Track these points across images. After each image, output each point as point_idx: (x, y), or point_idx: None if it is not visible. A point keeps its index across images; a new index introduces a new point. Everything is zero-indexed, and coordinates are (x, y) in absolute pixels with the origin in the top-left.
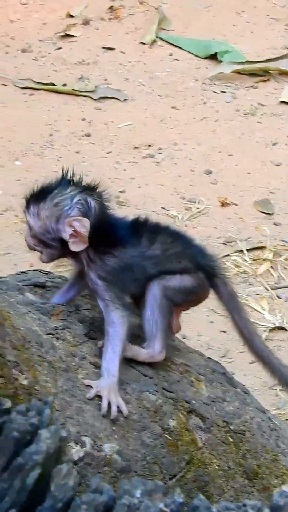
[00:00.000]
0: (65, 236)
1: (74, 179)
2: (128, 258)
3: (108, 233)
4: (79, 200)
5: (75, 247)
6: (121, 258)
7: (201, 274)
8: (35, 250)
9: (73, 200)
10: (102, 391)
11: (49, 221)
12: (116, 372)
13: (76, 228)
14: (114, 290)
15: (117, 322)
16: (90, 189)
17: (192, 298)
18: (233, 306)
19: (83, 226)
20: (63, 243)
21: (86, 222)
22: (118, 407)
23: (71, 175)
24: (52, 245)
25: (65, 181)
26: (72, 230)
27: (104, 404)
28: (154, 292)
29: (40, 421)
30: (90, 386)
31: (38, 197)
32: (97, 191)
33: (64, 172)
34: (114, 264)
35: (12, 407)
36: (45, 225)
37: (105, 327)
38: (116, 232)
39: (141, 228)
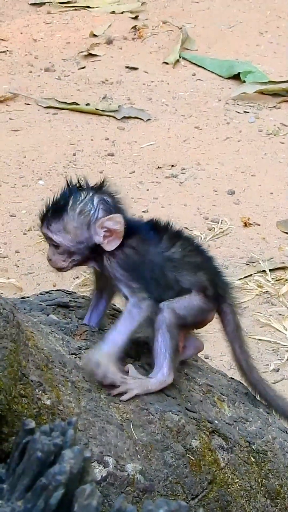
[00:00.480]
0: (99, 239)
1: (81, 184)
2: (148, 253)
3: (128, 227)
4: (99, 200)
5: (110, 246)
6: (141, 252)
7: (211, 294)
8: (62, 270)
9: (94, 203)
10: (102, 359)
11: (79, 230)
12: (120, 344)
13: (110, 226)
14: (138, 281)
15: (139, 307)
16: (100, 188)
17: (199, 320)
18: (236, 337)
19: (117, 222)
20: (93, 249)
21: (119, 217)
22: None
23: (76, 181)
24: (82, 254)
25: (73, 189)
26: (105, 231)
27: (100, 372)
28: (164, 315)
29: (63, 441)
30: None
31: (56, 212)
32: (105, 188)
33: (67, 181)
34: (135, 257)
35: (36, 427)
36: (76, 237)
37: (127, 306)
38: (136, 228)
39: (161, 229)
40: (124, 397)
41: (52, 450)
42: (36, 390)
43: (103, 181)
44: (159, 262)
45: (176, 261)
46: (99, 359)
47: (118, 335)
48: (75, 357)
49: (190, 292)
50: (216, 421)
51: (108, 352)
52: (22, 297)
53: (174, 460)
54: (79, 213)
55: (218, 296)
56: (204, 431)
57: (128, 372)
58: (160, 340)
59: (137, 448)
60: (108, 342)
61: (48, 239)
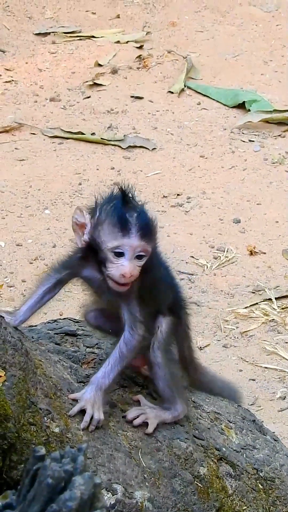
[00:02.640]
0: None
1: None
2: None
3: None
4: None
5: None
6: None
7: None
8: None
9: None
10: (87, 405)
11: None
12: (106, 388)
13: None
14: (143, 309)
15: (132, 344)
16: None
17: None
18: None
19: None
20: None
21: None
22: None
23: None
24: None
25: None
26: None
27: (87, 418)
28: (156, 354)
29: (74, 467)
30: (76, 401)
31: (147, 224)
32: None
33: (127, 193)
34: (151, 281)
35: (47, 454)
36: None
37: (120, 341)
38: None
39: None
40: (149, 430)
41: (63, 476)
42: (45, 418)
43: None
44: (155, 285)
45: (161, 282)
46: (85, 404)
47: (107, 379)
48: (83, 385)
49: (163, 315)
50: (223, 449)
51: (94, 397)
52: (30, 326)
53: (182, 487)
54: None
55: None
56: (212, 458)
57: (139, 401)
58: (162, 372)
59: (145, 475)
60: (94, 384)
61: (142, 251)
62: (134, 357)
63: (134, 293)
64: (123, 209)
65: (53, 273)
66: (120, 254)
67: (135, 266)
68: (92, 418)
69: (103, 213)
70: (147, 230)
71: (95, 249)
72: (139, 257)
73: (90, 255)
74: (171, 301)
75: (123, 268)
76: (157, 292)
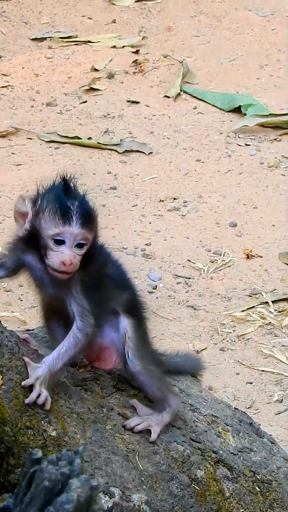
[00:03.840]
0: None
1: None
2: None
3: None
4: None
5: None
6: (98, 269)
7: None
8: (71, 273)
9: None
10: (36, 383)
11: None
12: (57, 370)
13: None
14: (91, 302)
15: (85, 330)
16: None
17: None
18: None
19: None
20: None
21: None
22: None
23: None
24: None
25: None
26: None
27: (33, 395)
28: (134, 363)
29: (71, 470)
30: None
31: (87, 212)
32: None
33: (69, 182)
34: (93, 274)
35: (43, 457)
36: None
37: (73, 328)
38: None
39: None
40: (153, 437)
41: (60, 479)
42: (42, 421)
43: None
44: (101, 280)
45: (110, 279)
46: (34, 381)
47: (58, 361)
48: (80, 389)
49: (117, 314)
50: (220, 451)
51: (44, 375)
52: (27, 330)
53: (179, 490)
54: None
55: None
56: (209, 461)
57: (134, 406)
58: (144, 378)
59: (142, 478)
60: (47, 364)
61: (82, 240)
62: (86, 346)
63: (77, 285)
64: (64, 197)
65: None
66: (60, 242)
67: (75, 254)
68: (39, 395)
69: (44, 201)
70: (88, 218)
71: (36, 237)
72: (79, 245)
73: (31, 245)
74: (127, 302)
75: (63, 256)
76: (104, 286)
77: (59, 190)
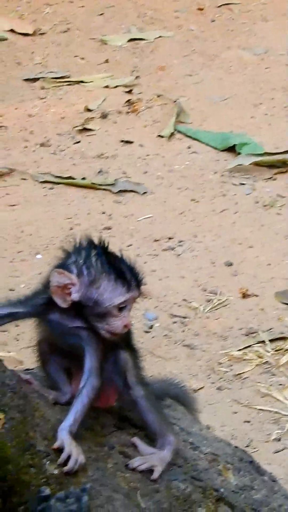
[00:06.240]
0: None
1: None
2: None
3: None
4: None
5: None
6: None
7: None
8: None
9: None
10: (65, 445)
11: None
12: (76, 433)
13: None
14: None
15: (97, 389)
16: None
17: None
18: None
19: None
20: None
21: None
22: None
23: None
24: None
25: None
26: None
27: (64, 456)
28: (136, 388)
29: (78, 508)
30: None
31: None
32: None
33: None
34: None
35: (52, 495)
36: None
37: (86, 386)
38: None
39: None
40: (155, 476)
41: None
42: (44, 460)
43: None
44: None
45: None
46: (62, 442)
47: (75, 424)
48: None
49: (115, 347)
50: (222, 489)
51: (68, 435)
52: (26, 369)
53: None
54: None
55: None
56: (210, 499)
57: (135, 445)
58: (148, 414)
59: None
60: (67, 431)
61: (135, 301)
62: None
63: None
64: (113, 262)
65: (7, 305)
66: (123, 308)
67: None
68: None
69: (93, 269)
70: (142, 278)
71: (84, 305)
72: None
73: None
74: (125, 334)
75: (126, 320)
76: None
77: (100, 254)
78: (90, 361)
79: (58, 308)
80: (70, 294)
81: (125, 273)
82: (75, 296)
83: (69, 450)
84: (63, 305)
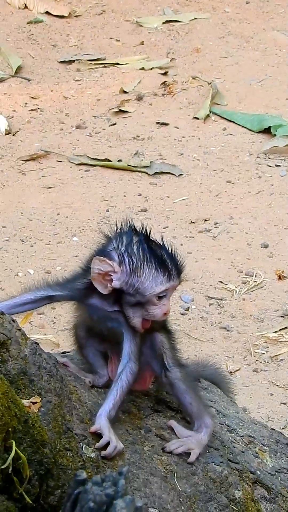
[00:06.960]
0: None
1: None
2: None
3: None
4: None
5: None
6: None
7: None
8: None
9: None
10: (104, 431)
11: None
12: (113, 418)
13: None
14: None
15: (135, 374)
16: None
17: None
18: None
19: None
20: None
21: None
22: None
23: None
24: None
25: None
26: None
27: (103, 441)
28: (176, 374)
29: (115, 491)
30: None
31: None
32: None
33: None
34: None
35: (88, 478)
36: None
37: (126, 371)
38: None
39: None
40: (192, 459)
41: (104, 500)
42: (81, 443)
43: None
44: None
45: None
46: (101, 427)
47: (114, 408)
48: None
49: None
50: (258, 472)
51: (107, 421)
52: (63, 352)
53: (218, 511)
54: None
55: None
56: (247, 481)
57: (171, 427)
58: (185, 395)
59: (181, 499)
60: (110, 405)
61: (175, 289)
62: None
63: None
64: (154, 249)
65: (46, 287)
66: (163, 296)
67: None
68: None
69: (134, 257)
70: (183, 267)
71: (124, 292)
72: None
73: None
74: None
75: (165, 308)
76: None
77: (142, 242)
78: (128, 346)
79: (98, 293)
80: (111, 281)
81: (166, 262)
82: (116, 283)
83: (108, 436)
84: (104, 291)
